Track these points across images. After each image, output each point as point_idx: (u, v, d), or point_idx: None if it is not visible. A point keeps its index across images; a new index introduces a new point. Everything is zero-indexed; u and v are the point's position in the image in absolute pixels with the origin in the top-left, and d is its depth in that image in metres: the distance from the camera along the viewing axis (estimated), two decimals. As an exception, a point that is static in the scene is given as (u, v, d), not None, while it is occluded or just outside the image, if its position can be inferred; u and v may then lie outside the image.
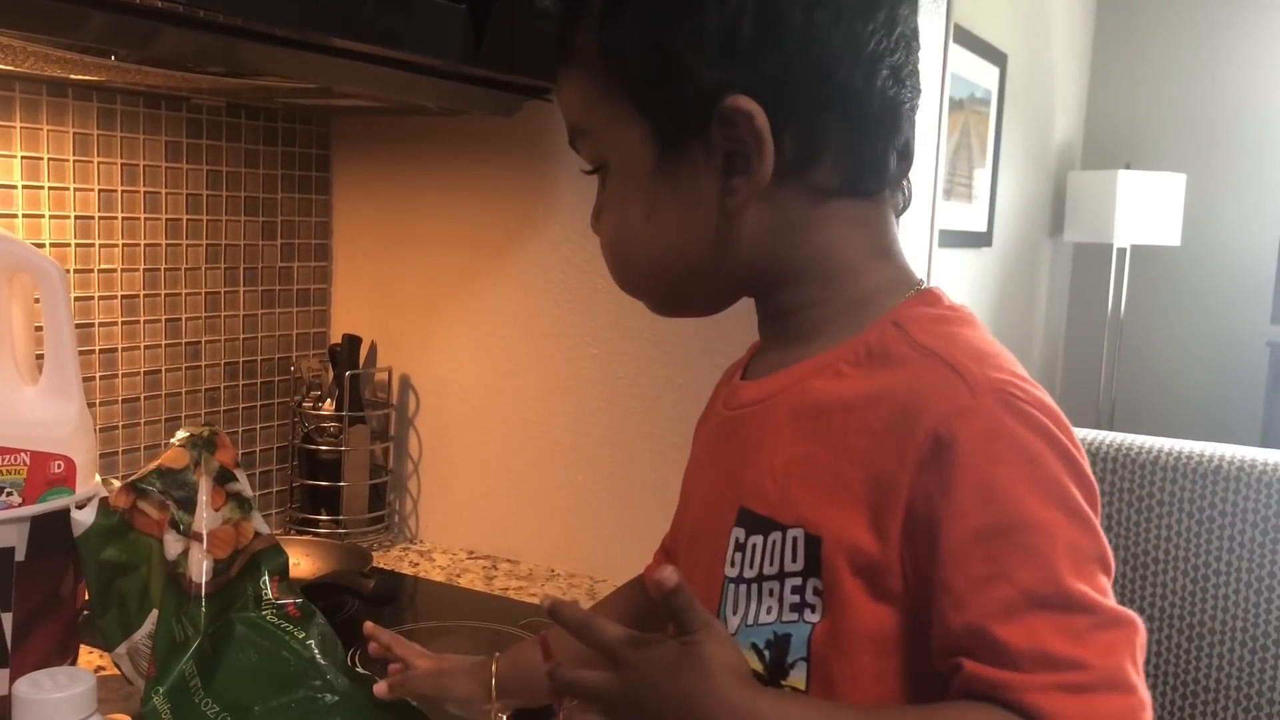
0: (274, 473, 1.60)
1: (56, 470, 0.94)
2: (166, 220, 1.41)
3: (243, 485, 0.92)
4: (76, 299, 1.32)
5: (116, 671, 0.96)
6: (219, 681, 0.85)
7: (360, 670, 0.94)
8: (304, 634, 0.89)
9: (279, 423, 1.60)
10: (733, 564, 0.66)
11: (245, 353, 1.54)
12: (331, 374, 1.58)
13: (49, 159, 1.27)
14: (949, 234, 3.12)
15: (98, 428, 1.35)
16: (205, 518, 0.89)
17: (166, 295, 1.42)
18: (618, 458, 1.47)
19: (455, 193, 1.55)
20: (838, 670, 0.60)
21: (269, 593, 0.90)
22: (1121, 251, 4.17)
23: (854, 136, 0.65)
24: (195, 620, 0.86)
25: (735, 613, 0.65)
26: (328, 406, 1.57)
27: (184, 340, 1.45)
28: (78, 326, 1.32)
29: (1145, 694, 0.53)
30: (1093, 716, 0.52)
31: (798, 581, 0.61)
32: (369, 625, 0.92)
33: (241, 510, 0.91)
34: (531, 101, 1.36)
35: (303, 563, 1.38)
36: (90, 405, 1.32)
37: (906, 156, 0.69)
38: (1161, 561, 2.30)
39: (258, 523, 0.92)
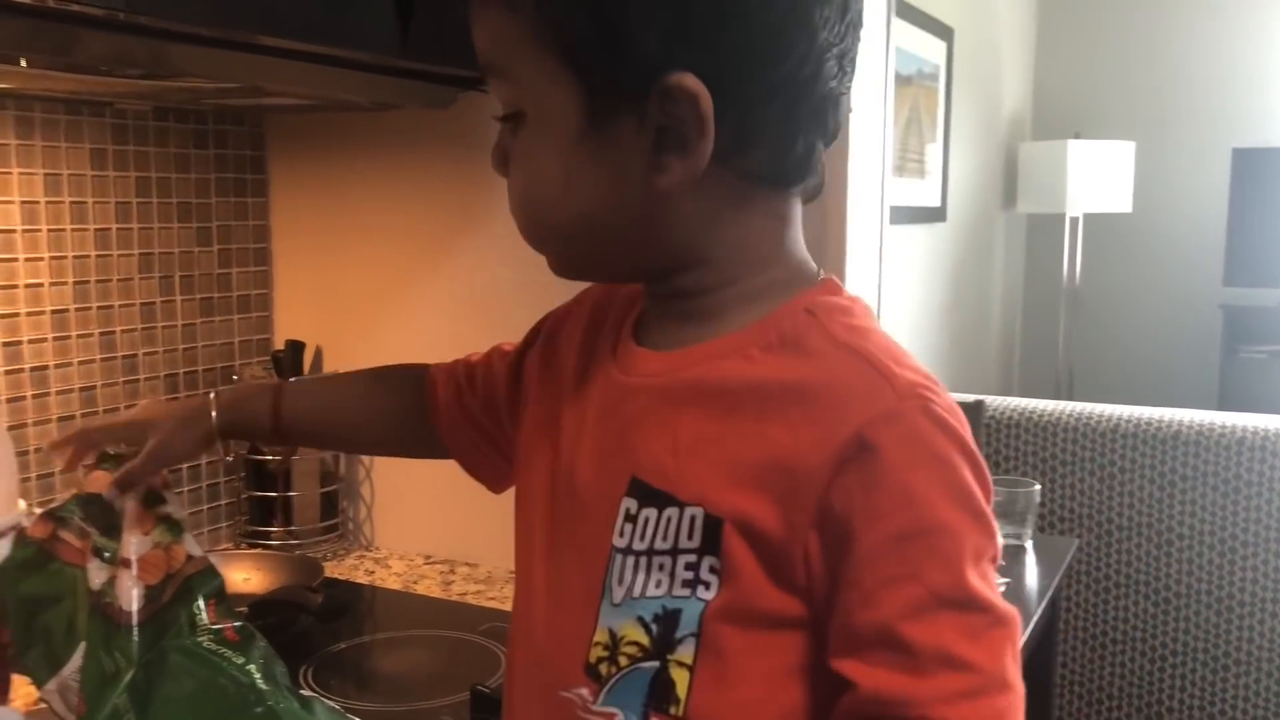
0: (221, 485, 1.56)
1: (-25, 500, 0.90)
2: (95, 230, 1.36)
3: (172, 507, 0.88)
4: (2, 316, 1.27)
5: (53, 705, 0.92)
6: (154, 713, 0.81)
7: (309, 690, 0.91)
8: (243, 659, 0.84)
9: (224, 433, 1.55)
10: (621, 534, 0.64)
11: (185, 363, 1.49)
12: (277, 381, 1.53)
13: (-36, 172, 1.22)
14: (903, 210, 3.11)
15: (31, 449, 1.30)
16: (134, 543, 0.85)
17: (99, 308, 1.37)
18: (573, 454, 1.43)
19: (395, 189, 1.51)
20: (729, 643, 0.60)
21: (205, 618, 0.86)
22: (1074, 220, 4.18)
23: (789, 128, 0.63)
24: (127, 651, 0.82)
25: (620, 583, 0.63)
26: (273, 415, 1.52)
27: (119, 354, 1.40)
28: (5, 345, 1.27)
29: (1021, 687, 0.57)
30: (982, 716, 0.56)
31: (692, 559, 0.61)
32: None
33: (172, 533, 0.87)
34: (466, 93, 1.33)
35: (253, 577, 1.34)
36: (23, 426, 1.28)
37: (829, 145, 0.67)
38: (1125, 529, 2.32)
39: (189, 545, 0.88)
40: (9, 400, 1.28)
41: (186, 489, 1.50)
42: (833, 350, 0.62)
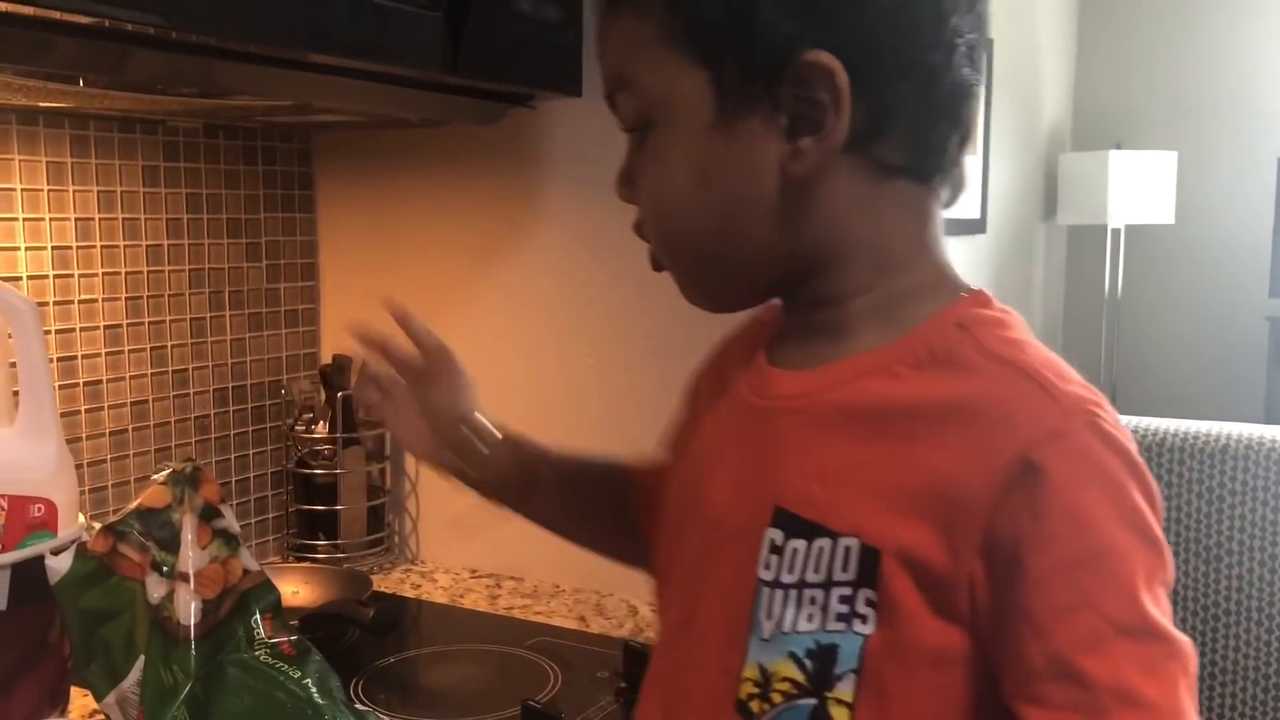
0: (269, 499, 1.57)
1: (37, 514, 0.91)
2: (147, 246, 1.38)
3: (229, 521, 0.89)
4: (58, 331, 1.28)
5: (112, 716, 0.93)
6: (213, 728, 0.81)
7: (362, 704, 0.91)
8: (300, 673, 0.85)
9: (272, 447, 1.56)
10: (768, 566, 0.61)
11: (234, 378, 1.50)
12: (324, 395, 1.55)
13: (22, 189, 1.24)
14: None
15: (85, 462, 1.32)
16: (191, 557, 0.86)
17: (150, 323, 1.39)
18: (618, 469, 1.43)
19: (441, 205, 1.52)
20: (893, 683, 0.58)
21: (262, 632, 0.86)
22: (1116, 232, 4.14)
23: (923, 114, 0.61)
24: (185, 664, 0.83)
25: (769, 617, 0.61)
26: (321, 429, 1.54)
27: (170, 368, 1.42)
28: (60, 360, 1.28)
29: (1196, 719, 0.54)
30: None
31: (847, 591, 0.58)
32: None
33: (229, 547, 0.88)
34: (514, 109, 1.33)
35: (301, 591, 1.35)
36: (77, 440, 1.30)
37: (964, 144, 0.65)
38: (1173, 544, 2.27)
39: (246, 559, 0.88)
40: (63, 414, 1.29)
41: (235, 502, 1.51)
42: (989, 365, 0.59)
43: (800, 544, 0.60)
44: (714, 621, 0.65)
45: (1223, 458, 2.28)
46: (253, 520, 1.54)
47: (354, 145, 1.57)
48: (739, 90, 0.60)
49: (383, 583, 1.48)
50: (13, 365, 0.96)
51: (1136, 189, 3.92)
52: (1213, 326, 4.36)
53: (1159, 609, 0.55)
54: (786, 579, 0.60)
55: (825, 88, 0.58)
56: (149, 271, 1.38)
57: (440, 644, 1.29)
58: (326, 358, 1.59)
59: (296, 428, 1.55)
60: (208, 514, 0.89)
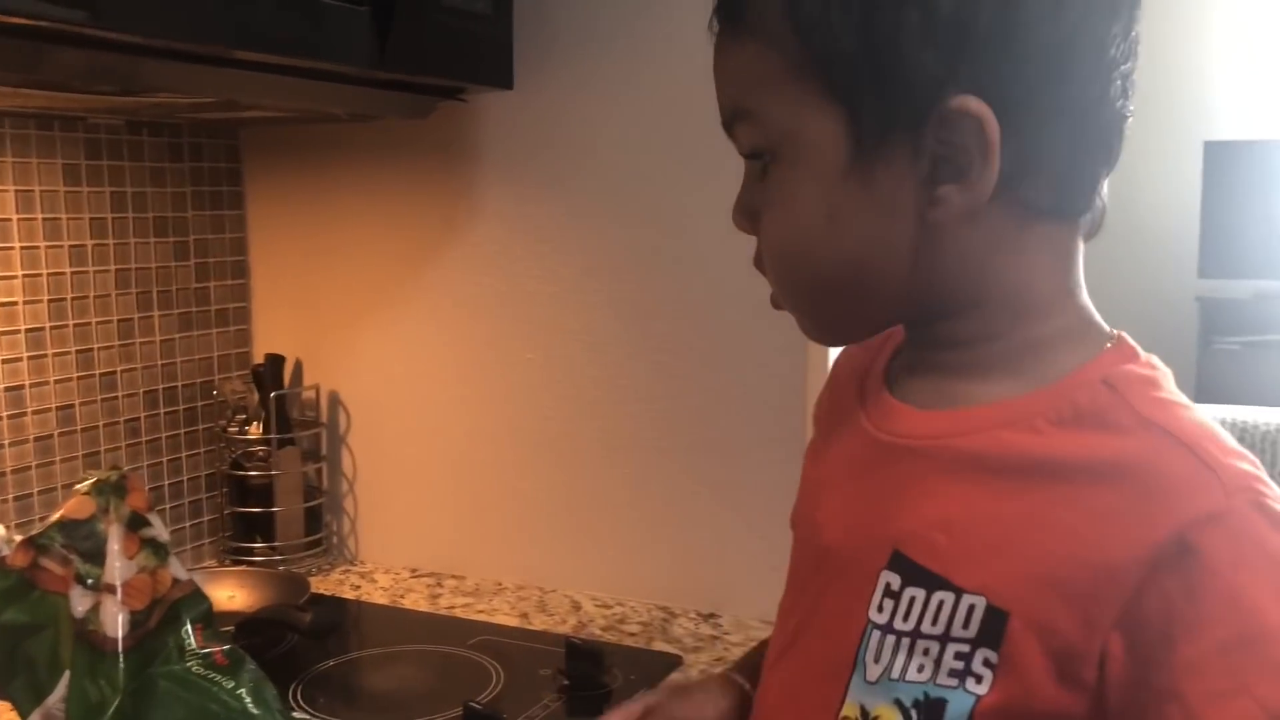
0: (203, 501, 1.54)
1: (-45, 527, 0.88)
2: (69, 247, 1.34)
3: (158, 530, 0.87)
4: (-24, 336, 1.25)
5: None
6: (144, 743, 0.80)
7: (301, 710, 0.89)
8: (234, 683, 0.83)
9: (205, 449, 1.53)
10: (880, 609, 0.59)
11: (164, 379, 1.47)
12: (256, 396, 1.52)
13: (-65, 191, 1.20)
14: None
15: (9, 470, 1.28)
16: (118, 568, 0.83)
17: (75, 325, 1.35)
18: (562, 464, 1.43)
19: (373, 200, 1.50)
20: None
21: (193, 642, 0.84)
22: (1050, 216, 4.20)
23: (1075, 153, 0.58)
24: (112, 679, 0.81)
25: (877, 661, 0.59)
26: (255, 430, 1.51)
27: (98, 371, 1.38)
28: (-21, 365, 1.25)
29: None
30: None
31: (964, 649, 0.56)
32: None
33: (158, 557, 0.85)
34: (445, 103, 1.32)
35: (237, 595, 1.33)
36: (-1, 447, 1.26)
37: (1109, 172, 0.61)
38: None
39: (175, 568, 0.86)
40: (-15, 421, 1.26)
41: (168, 506, 1.48)
42: (1141, 430, 0.56)
43: (919, 592, 0.58)
44: (817, 654, 0.64)
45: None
46: (187, 524, 1.51)
47: (283, 140, 1.54)
48: (878, 133, 0.56)
49: (322, 584, 1.46)
50: (-73, 374, 0.93)
51: (1069, 173, 3.98)
52: (1144, 307, 4.42)
53: None
54: (900, 626, 0.59)
55: (973, 135, 0.55)
56: (73, 272, 1.34)
57: (381, 646, 1.27)
58: (259, 357, 1.56)
59: (229, 429, 1.52)
60: (135, 523, 0.86)
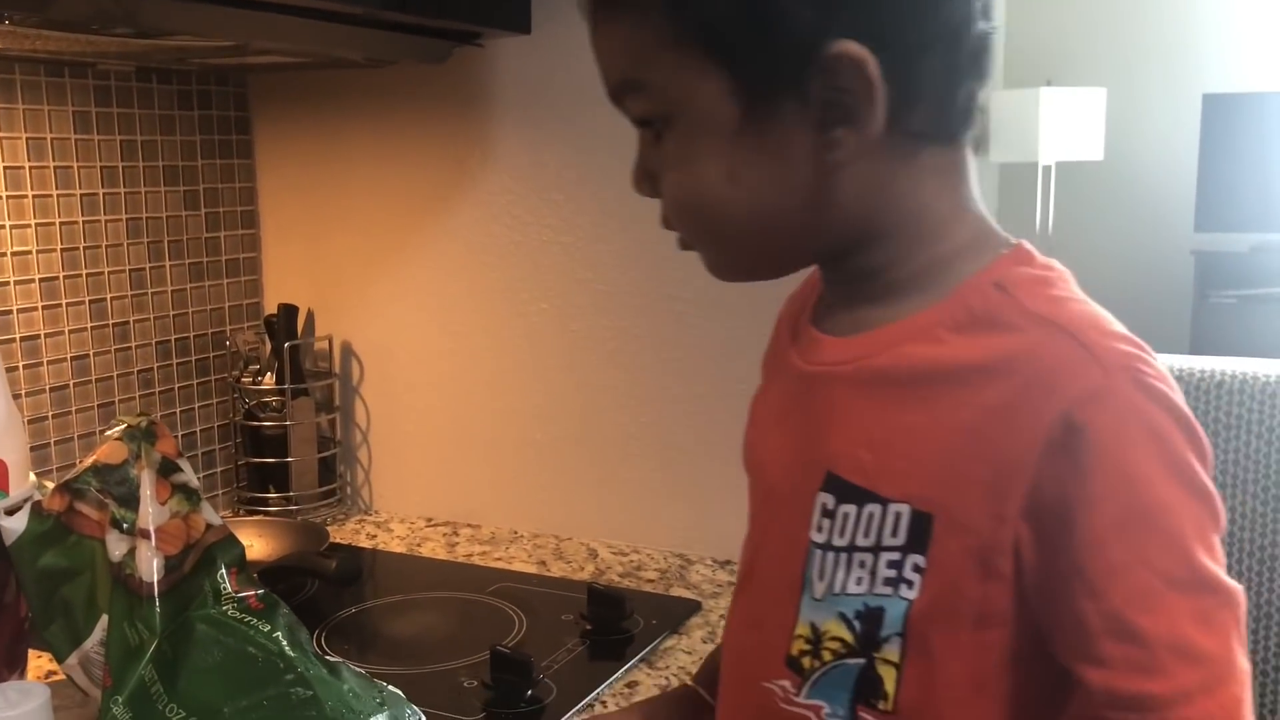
0: (216, 452, 1.54)
1: (-14, 473, 0.88)
2: (81, 196, 1.33)
3: (188, 476, 0.87)
4: (-10, 285, 1.24)
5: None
6: (183, 685, 0.80)
7: (330, 656, 0.90)
8: (269, 626, 0.84)
9: (218, 400, 1.53)
10: (819, 529, 0.63)
11: (177, 330, 1.47)
12: (269, 346, 1.51)
13: (-54, 137, 1.19)
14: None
15: (25, 419, 1.28)
16: (151, 513, 0.84)
17: (88, 275, 1.34)
18: (576, 413, 1.43)
19: (385, 148, 1.49)
20: (938, 644, 0.59)
21: (228, 586, 0.85)
22: (1046, 169, 4.19)
23: (950, 79, 0.60)
24: (150, 622, 0.81)
25: (821, 578, 0.62)
26: (268, 380, 1.51)
27: (111, 321, 1.38)
28: (-6, 315, 1.24)
29: (1248, 668, 0.55)
30: (1222, 707, 0.54)
31: (895, 556, 0.59)
32: None
33: (190, 502, 0.86)
34: (461, 47, 1.30)
35: (256, 544, 1.33)
36: (16, 397, 1.25)
37: (983, 88, 0.64)
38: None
39: (208, 514, 0.86)
40: (1, 371, 1.25)
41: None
42: (1029, 325, 0.58)
43: (851, 509, 0.61)
44: (770, 580, 0.67)
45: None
46: (201, 474, 1.51)
47: (292, 87, 1.52)
48: (764, 89, 0.58)
49: (338, 534, 1.46)
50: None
51: (1066, 126, 3.96)
52: (1140, 260, 4.45)
53: (1212, 559, 0.55)
54: (838, 542, 0.62)
55: (856, 78, 0.57)
56: (85, 222, 1.33)
57: (401, 593, 1.28)
58: (271, 308, 1.55)
59: (243, 380, 1.52)
60: (166, 468, 0.86)
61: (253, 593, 0.86)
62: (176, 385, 1.47)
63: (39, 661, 1.03)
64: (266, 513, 1.49)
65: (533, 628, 1.16)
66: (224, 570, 0.85)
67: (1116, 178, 4.36)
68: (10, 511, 0.85)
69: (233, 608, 0.84)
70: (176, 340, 1.46)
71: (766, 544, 0.69)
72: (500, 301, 1.45)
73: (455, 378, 1.49)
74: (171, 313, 1.45)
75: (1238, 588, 0.56)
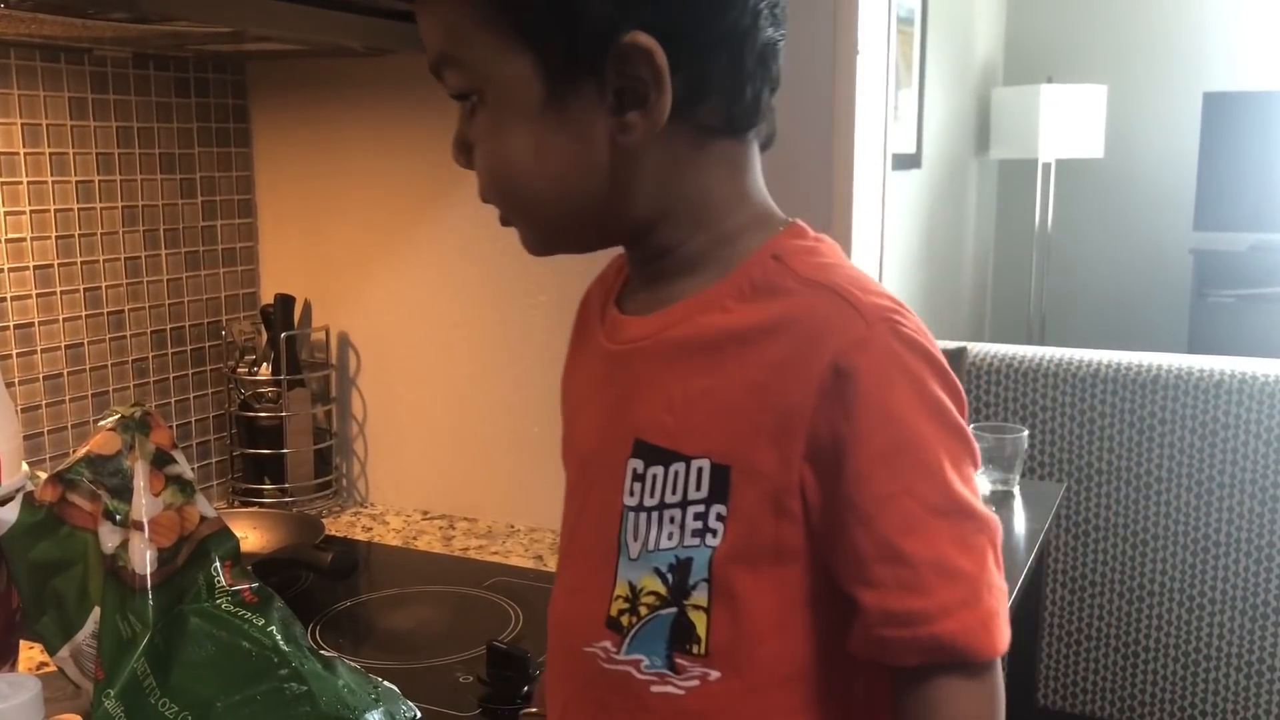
0: (211, 443, 1.53)
1: (-22, 463, 0.87)
2: (77, 183, 1.32)
3: (183, 467, 0.86)
4: (-16, 272, 1.23)
5: (62, 670, 0.90)
6: (175, 679, 0.79)
7: (324, 650, 0.89)
8: (263, 620, 0.83)
9: (213, 390, 1.52)
10: (631, 493, 0.67)
11: (172, 319, 1.45)
12: (265, 336, 1.50)
13: (-60, 122, 1.18)
14: (882, 157, 3.09)
15: (18, 408, 1.27)
16: (144, 504, 0.83)
17: (83, 263, 1.33)
18: (572, 407, 1.42)
19: (384, 138, 1.48)
20: (740, 583, 0.64)
21: (222, 579, 0.84)
22: (1046, 166, 4.18)
23: (737, 78, 0.66)
24: (142, 615, 0.80)
25: (636, 538, 0.67)
26: (264, 370, 1.50)
27: (105, 310, 1.36)
28: (-12, 302, 1.23)
29: (1004, 583, 0.62)
30: (979, 619, 0.61)
31: (700, 509, 0.65)
32: None
33: (184, 494, 0.85)
34: (462, 38, 1.29)
35: (251, 536, 1.32)
36: (9, 385, 1.24)
37: (774, 93, 0.70)
38: (1105, 472, 2.34)
39: (202, 506, 0.85)
40: (-6, 359, 1.24)
41: (176, 447, 1.46)
42: (802, 288, 0.65)
43: (659, 470, 0.66)
44: (589, 548, 0.71)
45: (1154, 387, 2.34)
46: (195, 465, 1.50)
47: (290, 76, 1.51)
48: (566, 71, 0.64)
49: (333, 526, 1.45)
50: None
51: (1067, 123, 3.96)
52: (1139, 259, 4.45)
53: (967, 489, 0.62)
54: (649, 502, 0.66)
55: (646, 66, 0.62)
56: (80, 209, 1.32)
57: (397, 587, 1.27)
58: (267, 297, 1.54)
59: (239, 370, 1.51)
60: (160, 460, 0.86)
61: (247, 586, 0.85)
62: (171, 375, 1.46)
63: (30, 653, 1.02)
64: (261, 504, 1.48)
65: (529, 622, 1.16)
66: (218, 563, 0.85)
67: (1116, 175, 4.35)
68: (2, 502, 0.84)
69: (227, 601, 0.84)
70: (172, 329, 1.45)
71: (585, 515, 0.72)
72: (499, 293, 1.44)
73: (452, 370, 1.49)
74: (167, 302, 1.44)
75: (994, 516, 0.63)
